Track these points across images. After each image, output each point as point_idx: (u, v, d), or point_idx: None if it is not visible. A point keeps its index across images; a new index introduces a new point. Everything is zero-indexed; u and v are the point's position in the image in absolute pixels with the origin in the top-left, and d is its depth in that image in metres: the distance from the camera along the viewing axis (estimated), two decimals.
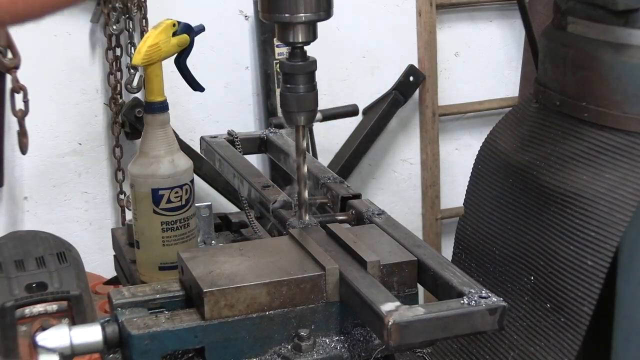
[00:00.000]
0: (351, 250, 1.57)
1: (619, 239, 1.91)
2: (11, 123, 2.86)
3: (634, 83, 1.98)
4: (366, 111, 3.37)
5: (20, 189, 3.04)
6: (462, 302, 1.40)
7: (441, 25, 3.48)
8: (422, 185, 3.58)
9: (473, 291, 1.41)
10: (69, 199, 3.10)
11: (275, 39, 3.08)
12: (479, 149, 2.38)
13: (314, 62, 1.66)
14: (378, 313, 1.36)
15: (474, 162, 2.39)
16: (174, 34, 1.82)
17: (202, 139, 2.26)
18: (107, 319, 1.50)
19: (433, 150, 3.53)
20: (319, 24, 1.66)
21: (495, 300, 1.40)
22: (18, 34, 2.76)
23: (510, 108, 2.60)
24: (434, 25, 3.43)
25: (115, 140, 3.01)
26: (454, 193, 3.53)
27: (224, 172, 2.10)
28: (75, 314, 2.39)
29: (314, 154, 3.13)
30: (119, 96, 3.00)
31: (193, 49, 1.83)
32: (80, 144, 3.07)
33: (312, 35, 1.63)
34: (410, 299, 1.54)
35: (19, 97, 2.76)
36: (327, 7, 1.63)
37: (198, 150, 2.35)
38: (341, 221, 1.76)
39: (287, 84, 1.65)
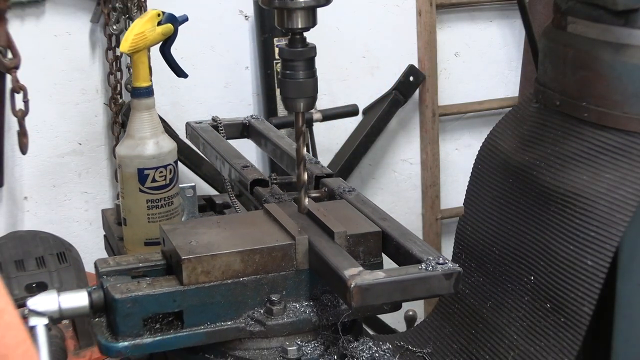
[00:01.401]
0: (320, 222, 1.66)
1: (619, 239, 1.91)
2: (11, 123, 2.87)
3: (634, 83, 1.97)
4: (366, 111, 3.37)
5: (20, 189, 3.04)
6: (420, 267, 1.49)
7: (441, 25, 3.48)
8: (422, 185, 3.58)
9: (431, 258, 1.50)
10: (69, 199, 3.10)
11: (275, 39, 3.08)
12: (479, 149, 2.38)
13: (314, 48, 1.66)
14: (341, 277, 1.45)
15: (474, 162, 2.39)
16: (159, 24, 1.94)
17: (187, 124, 2.35)
18: (93, 287, 1.58)
19: (433, 150, 3.53)
20: (320, 24, 1.66)
21: (451, 266, 1.49)
22: (18, 34, 2.76)
23: (510, 108, 2.60)
24: (434, 25, 3.43)
25: (115, 140, 3.01)
26: (454, 193, 3.53)
27: (207, 155, 2.20)
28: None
29: (314, 154, 3.13)
30: (119, 96, 3.00)
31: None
32: (80, 144, 3.07)
33: (311, 21, 1.63)
34: (375, 268, 1.62)
35: (19, 97, 2.76)
36: None
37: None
38: (314, 198, 1.83)
39: (287, 71, 1.65)
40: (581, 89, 2.07)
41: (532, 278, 2.07)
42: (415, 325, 2.42)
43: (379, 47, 3.39)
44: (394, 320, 3.31)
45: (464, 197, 2.38)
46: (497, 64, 3.60)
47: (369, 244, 1.64)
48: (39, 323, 1.48)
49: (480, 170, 2.34)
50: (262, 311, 1.59)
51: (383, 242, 1.65)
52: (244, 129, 2.35)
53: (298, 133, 1.69)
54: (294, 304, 1.61)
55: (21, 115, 2.76)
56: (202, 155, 2.32)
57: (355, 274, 1.44)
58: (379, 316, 3.24)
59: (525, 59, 3.38)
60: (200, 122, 2.32)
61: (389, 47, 3.41)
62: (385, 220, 1.70)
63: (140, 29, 1.91)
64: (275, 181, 1.94)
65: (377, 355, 1.60)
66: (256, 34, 3.16)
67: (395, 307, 1.66)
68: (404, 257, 1.58)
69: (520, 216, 2.15)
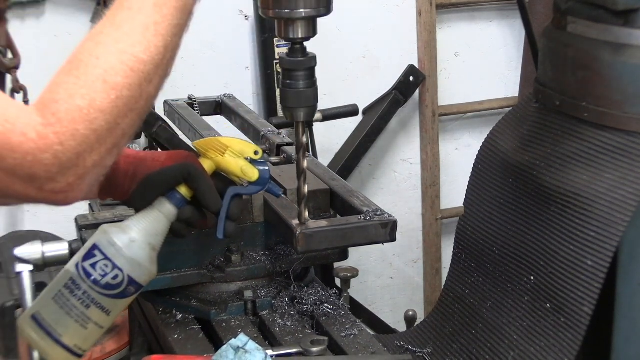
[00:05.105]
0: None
1: (619, 239, 1.91)
2: None
3: (634, 83, 1.97)
4: (366, 111, 3.37)
5: None
6: (359, 217, 1.66)
7: (441, 25, 3.48)
8: (422, 185, 3.58)
9: (370, 210, 1.67)
10: None
11: (275, 39, 3.08)
12: (479, 149, 2.38)
13: (314, 57, 1.66)
14: (290, 226, 1.64)
15: (474, 162, 2.39)
16: None
17: (165, 102, 2.55)
18: (74, 239, 1.76)
19: (433, 150, 3.53)
20: (320, 24, 1.66)
21: (388, 216, 1.66)
22: (18, 34, 2.76)
23: (510, 108, 2.60)
24: (434, 25, 3.43)
25: None
26: (454, 193, 3.53)
27: (182, 129, 2.39)
28: None
29: (314, 154, 3.13)
30: None
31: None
32: None
33: (312, 31, 1.63)
34: None
35: (19, 97, 2.75)
36: (327, 3, 1.63)
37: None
38: (274, 163, 2.02)
39: (287, 80, 1.66)
40: (581, 89, 2.07)
41: (532, 278, 2.07)
42: (415, 325, 2.42)
43: (379, 47, 3.39)
44: (394, 320, 3.31)
45: (464, 197, 2.38)
46: (497, 64, 3.60)
47: (318, 200, 1.82)
48: (25, 269, 1.67)
49: (480, 170, 2.34)
50: (222, 259, 1.77)
51: (331, 199, 1.83)
52: (217, 107, 2.55)
53: (299, 146, 1.67)
54: (251, 253, 1.79)
55: None
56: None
57: (301, 223, 1.62)
58: (379, 316, 3.23)
59: (525, 59, 3.38)
60: (177, 100, 2.53)
61: (389, 47, 3.41)
62: (334, 180, 1.88)
63: None
64: None
65: (324, 298, 1.73)
66: (256, 34, 3.16)
67: (342, 255, 1.82)
68: (348, 211, 1.75)
69: (520, 216, 2.15)
